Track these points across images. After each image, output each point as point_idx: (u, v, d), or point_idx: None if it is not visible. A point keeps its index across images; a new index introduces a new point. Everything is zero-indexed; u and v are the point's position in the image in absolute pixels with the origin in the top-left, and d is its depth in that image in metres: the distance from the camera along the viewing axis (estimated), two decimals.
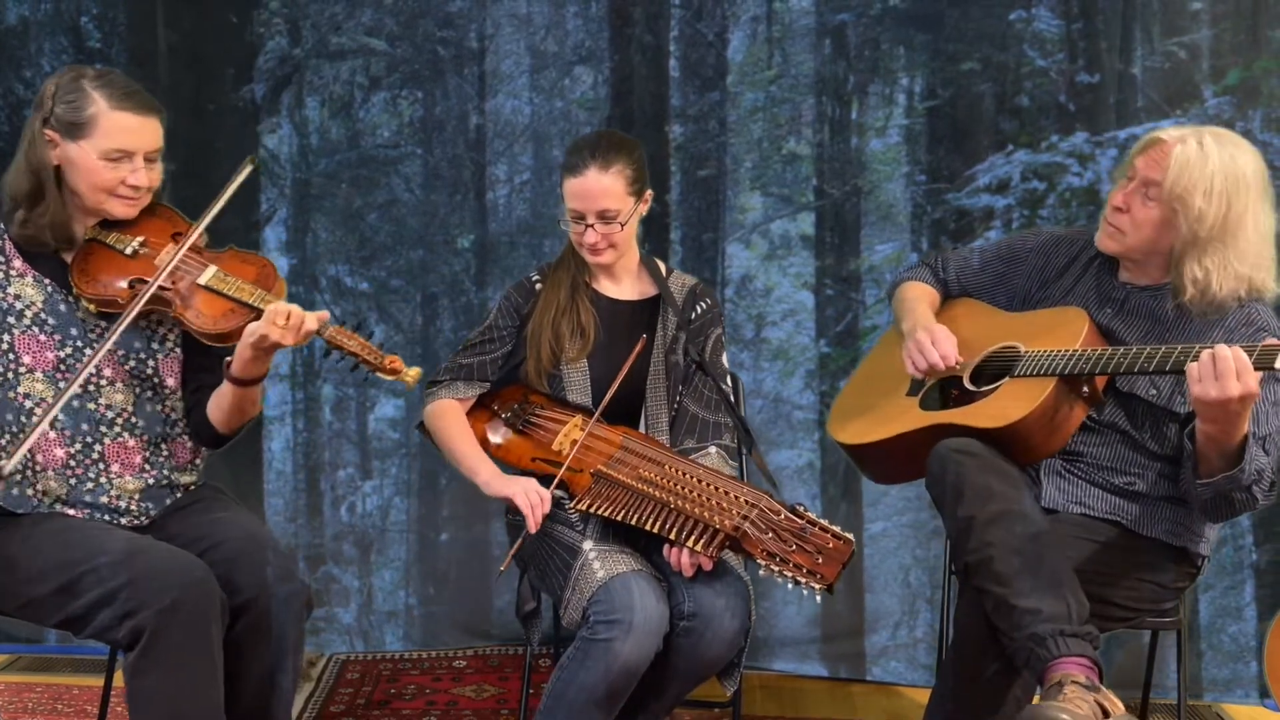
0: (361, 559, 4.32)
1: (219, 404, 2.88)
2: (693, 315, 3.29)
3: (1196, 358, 2.62)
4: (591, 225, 3.13)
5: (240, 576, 2.72)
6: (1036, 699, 2.68)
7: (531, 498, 3.02)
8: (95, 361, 2.73)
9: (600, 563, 2.93)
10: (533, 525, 3.00)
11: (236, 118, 4.19)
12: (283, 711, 2.82)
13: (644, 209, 3.23)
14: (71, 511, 2.81)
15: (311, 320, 2.74)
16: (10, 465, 2.63)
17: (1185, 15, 3.87)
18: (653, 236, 4.11)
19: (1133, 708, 3.44)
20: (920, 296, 3.29)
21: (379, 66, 4.17)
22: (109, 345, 2.74)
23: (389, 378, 2.78)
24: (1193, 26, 3.86)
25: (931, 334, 3.10)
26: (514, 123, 4.17)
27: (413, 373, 2.80)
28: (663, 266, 3.37)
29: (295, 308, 2.73)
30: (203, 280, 2.81)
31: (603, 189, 3.11)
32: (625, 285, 3.32)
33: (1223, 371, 2.56)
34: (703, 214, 4.14)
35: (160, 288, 2.78)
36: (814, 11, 4.03)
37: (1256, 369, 2.57)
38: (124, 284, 2.81)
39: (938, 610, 4.08)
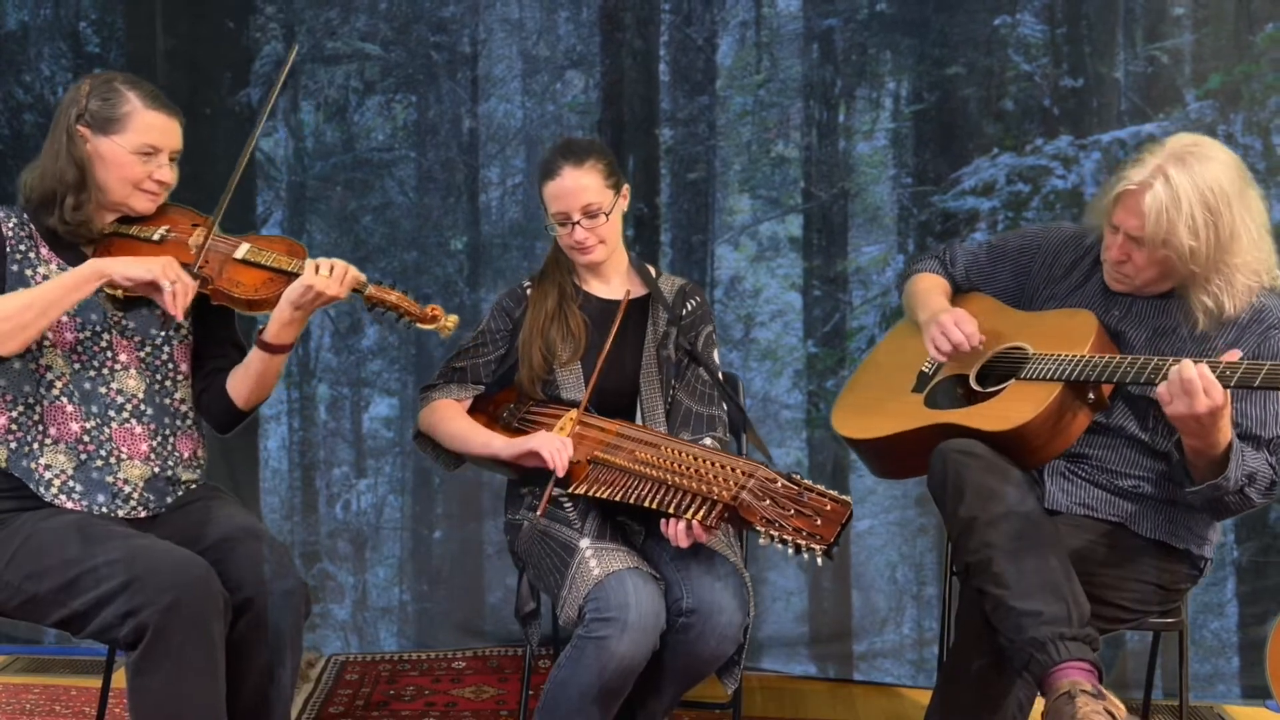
0: (356, 556, 4.29)
1: (243, 376, 2.93)
2: (683, 312, 3.26)
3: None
4: (578, 223, 3.13)
5: (239, 574, 2.71)
6: (1044, 706, 2.61)
7: (554, 444, 3.00)
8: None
9: (596, 560, 2.89)
10: (560, 470, 2.97)
11: (233, 121, 4.13)
12: (282, 709, 2.79)
13: (624, 203, 3.20)
14: (71, 504, 2.78)
15: (354, 269, 2.85)
16: None
17: (1168, 20, 3.83)
18: (643, 239, 4.09)
19: (1134, 708, 3.43)
20: (933, 287, 3.25)
21: (373, 71, 4.15)
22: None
23: (429, 326, 2.92)
24: (1175, 31, 3.83)
25: (955, 315, 3.06)
26: (506, 126, 4.14)
27: (452, 320, 2.94)
28: (652, 269, 3.35)
29: (337, 260, 2.84)
30: (238, 255, 2.90)
31: (582, 185, 3.11)
32: (615, 285, 3.28)
33: (1190, 391, 2.55)
34: (692, 216, 4.12)
35: (197, 266, 2.85)
36: (802, 16, 3.99)
37: (1224, 386, 2.55)
38: None
39: (924, 607, 4.08)
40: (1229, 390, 2.58)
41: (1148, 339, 2.92)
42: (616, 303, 3.26)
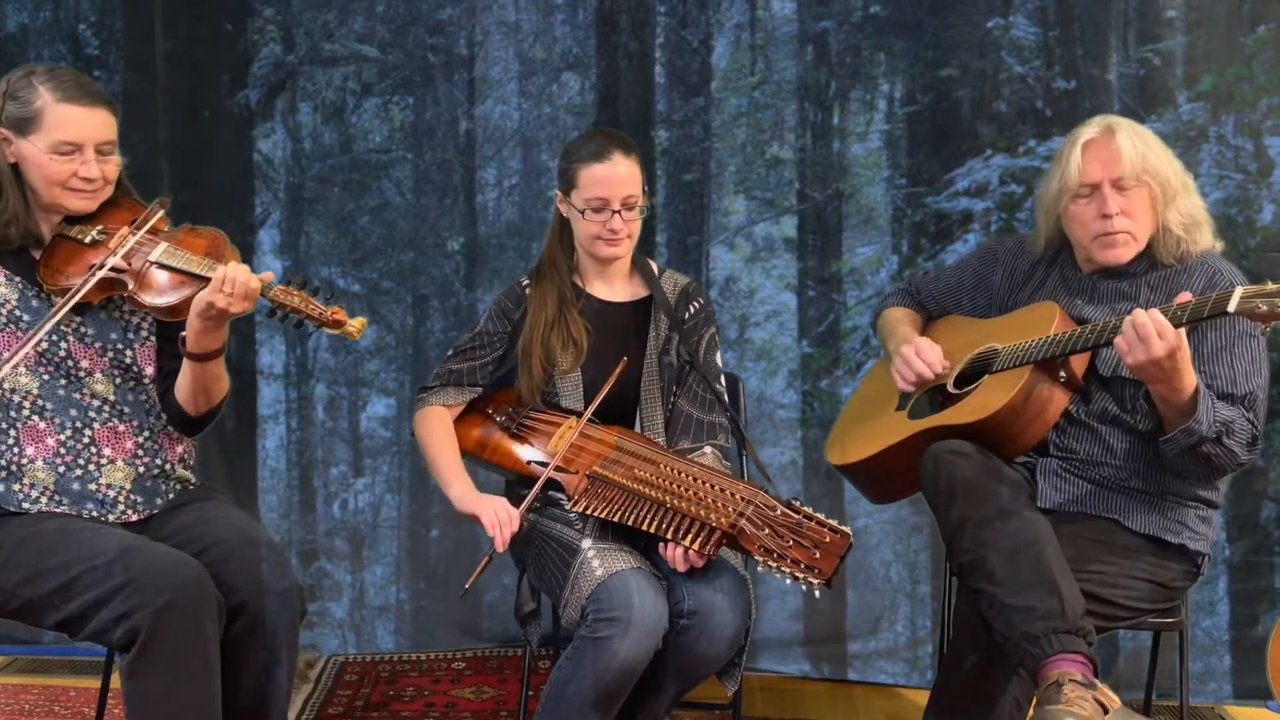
0: (353, 555, 4.28)
1: (181, 383, 2.82)
2: (685, 315, 3.23)
3: None
4: (618, 212, 3.09)
5: (235, 576, 2.67)
6: (1035, 698, 2.62)
7: (500, 516, 2.95)
8: (46, 330, 2.67)
9: (599, 561, 2.86)
10: (500, 545, 2.93)
11: (231, 123, 4.12)
12: (279, 709, 2.76)
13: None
14: (59, 510, 2.74)
15: (255, 282, 2.67)
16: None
17: (1160, 22, 3.81)
18: (639, 239, 4.09)
19: (1134, 709, 3.42)
20: (900, 319, 3.32)
21: (371, 73, 4.13)
22: (60, 314, 2.68)
23: (334, 331, 2.69)
24: (1167, 33, 3.82)
25: (916, 346, 3.12)
26: (503, 128, 4.13)
27: (357, 323, 2.71)
28: (655, 266, 3.30)
29: (240, 272, 2.66)
30: (153, 257, 2.75)
31: (627, 175, 3.09)
32: (618, 287, 3.25)
33: (1144, 336, 2.61)
34: (688, 217, 4.11)
35: (114, 269, 2.72)
36: (796, 19, 3.98)
37: (1175, 326, 2.61)
38: (82, 271, 2.76)
39: (919, 606, 4.07)
40: (1183, 332, 2.63)
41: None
42: (618, 304, 3.24)
